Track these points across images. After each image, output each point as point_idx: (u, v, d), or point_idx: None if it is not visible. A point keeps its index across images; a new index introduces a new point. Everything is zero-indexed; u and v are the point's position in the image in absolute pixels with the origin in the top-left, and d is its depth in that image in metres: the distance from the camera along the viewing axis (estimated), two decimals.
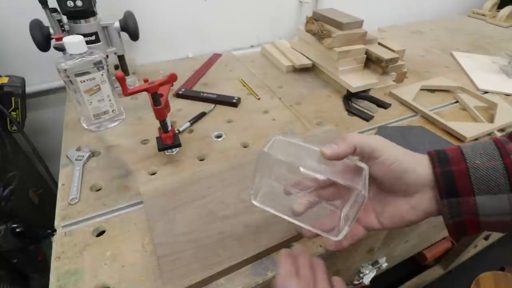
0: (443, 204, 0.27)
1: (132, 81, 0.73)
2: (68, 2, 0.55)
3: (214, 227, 0.40)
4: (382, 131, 0.61)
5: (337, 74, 0.74)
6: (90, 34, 0.60)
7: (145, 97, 0.67)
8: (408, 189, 0.29)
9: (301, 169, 0.31)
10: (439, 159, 0.28)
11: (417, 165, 0.28)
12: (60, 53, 0.58)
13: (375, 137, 0.30)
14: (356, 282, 0.72)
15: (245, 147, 0.57)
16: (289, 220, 0.33)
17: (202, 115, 0.65)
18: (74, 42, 0.51)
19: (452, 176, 0.27)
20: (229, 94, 0.70)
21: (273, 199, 0.35)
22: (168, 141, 0.51)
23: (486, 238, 1.34)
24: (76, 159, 0.52)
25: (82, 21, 0.59)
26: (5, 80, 0.60)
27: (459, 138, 0.60)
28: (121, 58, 0.69)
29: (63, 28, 0.59)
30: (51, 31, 0.59)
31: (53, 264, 0.37)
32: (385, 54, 0.73)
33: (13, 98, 0.60)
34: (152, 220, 0.41)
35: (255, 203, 0.34)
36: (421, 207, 0.29)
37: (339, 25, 0.71)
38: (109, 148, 0.56)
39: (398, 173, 0.29)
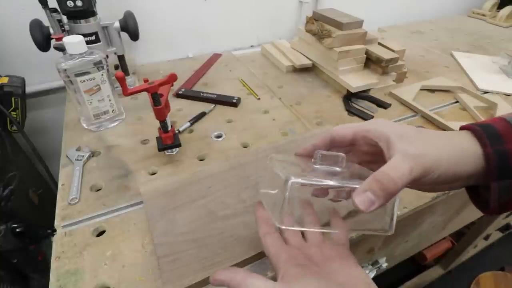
0: (493, 188, 0.25)
1: (132, 81, 0.73)
2: (68, 2, 0.55)
3: (214, 227, 0.40)
4: None
5: (337, 74, 0.74)
6: (90, 34, 0.60)
7: (145, 97, 0.67)
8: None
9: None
10: (488, 135, 0.25)
11: (460, 164, 0.25)
12: (60, 53, 0.58)
13: (419, 167, 0.24)
14: None
15: (245, 147, 0.57)
16: (326, 231, 0.30)
17: (202, 115, 0.65)
18: (74, 42, 0.51)
19: (506, 156, 0.24)
20: (229, 94, 0.70)
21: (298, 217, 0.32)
22: (168, 141, 0.51)
23: (486, 238, 1.34)
24: (76, 159, 0.52)
25: (82, 21, 0.59)
26: (5, 80, 0.60)
27: None
28: (121, 58, 0.69)
29: (63, 28, 0.59)
30: (51, 31, 0.59)
31: (53, 264, 0.37)
32: (385, 54, 0.73)
33: (13, 98, 0.60)
34: (152, 220, 0.41)
35: (283, 227, 0.29)
36: (449, 189, 0.28)
37: (339, 25, 0.71)
38: (109, 148, 0.56)
39: (438, 184, 0.26)
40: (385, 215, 0.26)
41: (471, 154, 0.25)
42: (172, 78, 0.48)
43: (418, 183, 0.25)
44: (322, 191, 0.30)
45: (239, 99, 0.69)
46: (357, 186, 0.25)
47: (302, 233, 0.33)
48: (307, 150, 0.32)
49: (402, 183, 0.23)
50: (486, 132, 0.25)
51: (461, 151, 0.25)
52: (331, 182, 0.26)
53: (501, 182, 0.25)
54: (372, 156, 0.31)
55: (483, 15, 1.32)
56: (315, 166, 0.30)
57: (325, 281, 0.26)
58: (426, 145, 0.25)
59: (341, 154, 0.29)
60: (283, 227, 0.28)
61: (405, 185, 0.23)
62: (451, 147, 0.25)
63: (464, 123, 0.28)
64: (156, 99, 0.46)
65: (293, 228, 0.29)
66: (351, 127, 0.30)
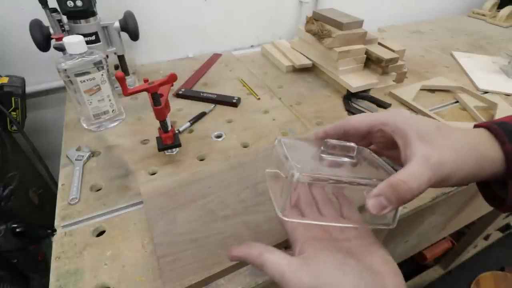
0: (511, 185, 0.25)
1: (132, 81, 0.73)
2: (68, 2, 0.55)
3: (214, 227, 0.40)
4: None
5: (337, 74, 0.74)
6: (90, 34, 0.60)
7: (145, 97, 0.67)
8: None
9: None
10: (506, 132, 0.24)
11: (478, 170, 0.24)
12: (60, 53, 0.58)
13: (437, 176, 0.23)
14: None
15: (245, 147, 0.57)
16: (327, 224, 0.29)
17: (202, 115, 0.65)
18: (74, 42, 0.51)
19: None
20: (229, 94, 0.70)
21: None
22: (168, 141, 0.51)
23: (486, 238, 1.34)
24: (76, 159, 0.52)
25: (82, 21, 0.59)
26: (5, 80, 0.60)
27: None
28: (121, 58, 0.69)
29: (63, 28, 0.59)
30: (51, 31, 0.59)
31: (53, 264, 0.37)
32: (385, 54, 0.73)
33: (13, 98, 0.60)
34: (152, 220, 0.41)
35: (286, 218, 0.28)
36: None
37: (339, 25, 0.71)
38: (109, 148, 0.56)
39: (451, 186, 0.25)
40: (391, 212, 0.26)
41: (490, 157, 0.25)
42: (172, 78, 0.48)
43: (431, 186, 0.24)
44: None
45: (239, 99, 0.69)
46: (367, 183, 0.25)
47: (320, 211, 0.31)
48: (318, 136, 0.31)
49: (418, 192, 0.23)
50: (503, 130, 0.25)
51: (479, 155, 0.25)
52: (340, 178, 0.26)
53: None
54: (387, 143, 0.30)
55: (483, 15, 1.32)
56: (323, 155, 0.29)
57: (343, 258, 0.25)
58: (446, 149, 0.24)
59: (352, 144, 0.29)
60: (286, 219, 0.27)
61: (420, 194, 0.23)
62: (470, 150, 0.24)
63: (464, 124, 0.28)
64: (156, 99, 0.46)
65: (295, 221, 0.28)
66: (367, 120, 0.29)
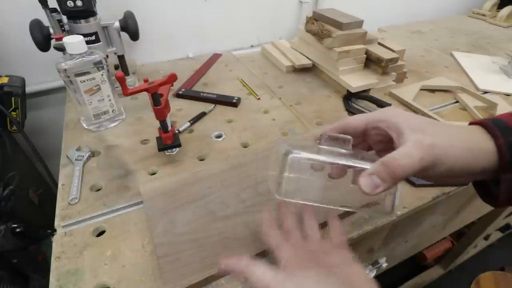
0: (505, 179, 0.25)
1: (132, 81, 0.73)
2: (68, 2, 0.55)
3: (214, 227, 0.40)
4: None
5: (337, 74, 0.74)
6: (90, 34, 0.60)
7: (145, 97, 0.67)
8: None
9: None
10: (499, 127, 0.25)
11: (470, 158, 0.25)
12: (60, 53, 0.58)
13: (429, 157, 0.24)
14: None
15: (245, 147, 0.57)
16: (322, 207, 0.29)
17: (202, 115, 0.65)
18: (74, 42, 0.51)
19: None
20: (229, 94, 0.70)
21: (298, 190, 0.31)
22: (168, 141, 0.51)
23: (486, 238, 1.34)
24: (76, 159, 0.52)
25: (82, 21, 0.59)
26: (5, 80, 0.60)
27: None
28: (121, 58, 0.69)
29: (63, 28, 0.59)
30: (51, 31, 0.59)
31: (53, 264, 0.37)
32: (385, 54, 0.73)
33: (13, 98, 0.60)
34: (152, 220, 0.41)
35: (279, 197, 0.29)
36: (457, 183, 0.28)
37: (339, 25, 0.71)
38: (109, 148, 0.56)
39: (446, 177, 0.26)
40: (388, 198, 0.27)
41: (483, 149, 0.25)
42: (172, 78, 0.48)
43: (426, 173, 0.25)
44: (337, 171, 0.30)
45: (239, 99, 0.69)
46: (360, 166, 0.25)
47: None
48: (317, 137, 0.32)
49: (410, 170, 0.23)
50: (496, 125, 0.25)
51: (472, 145, 0.25)
52: (333, 160, 0.26)
53: None
54: (384, 145, 0.31)
55: (483, 15, 1.32)
56: (320, 146, 0.30)
57: (325, 273, 0.26)
58: (438, 136, 0.25)
59: (348, 136, 0.29)
60: (285, 199, 0.28)
61: (413, 173, 0.23)
62: (463, 140, 0.25)
63: (464, 123, 0.28)
64: (156, 99, 0.46)
65: (293, 201, 0.29)
66: (363, 118, 0.30)
